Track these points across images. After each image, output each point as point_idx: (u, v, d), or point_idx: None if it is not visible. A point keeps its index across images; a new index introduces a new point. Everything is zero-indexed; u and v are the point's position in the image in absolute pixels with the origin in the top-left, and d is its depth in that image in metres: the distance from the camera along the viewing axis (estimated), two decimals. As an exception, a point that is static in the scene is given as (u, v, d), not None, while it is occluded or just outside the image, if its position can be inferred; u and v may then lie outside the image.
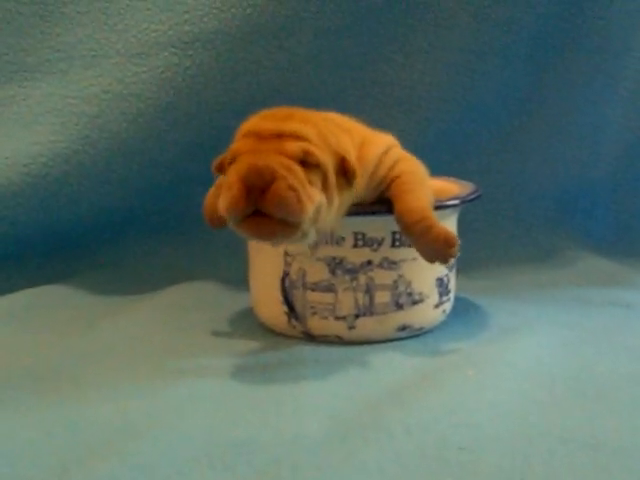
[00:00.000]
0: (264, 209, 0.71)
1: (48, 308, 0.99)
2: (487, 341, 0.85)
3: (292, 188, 0.71)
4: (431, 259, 0.80)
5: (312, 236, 0.76)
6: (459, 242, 0.80)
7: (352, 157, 0.79)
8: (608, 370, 0.78)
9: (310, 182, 0.73)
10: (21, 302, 1.00)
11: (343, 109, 0.87)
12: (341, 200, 0.78)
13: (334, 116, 0.84)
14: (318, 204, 0.74)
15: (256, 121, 0.76)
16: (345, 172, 0.77)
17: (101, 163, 1.05)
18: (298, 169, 0.73)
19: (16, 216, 1.04)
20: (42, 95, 1.06)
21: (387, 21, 1.08)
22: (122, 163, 1.05)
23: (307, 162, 0.74)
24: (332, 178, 0.76)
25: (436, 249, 0.79)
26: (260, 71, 1.06)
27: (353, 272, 0.83)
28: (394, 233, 0.82)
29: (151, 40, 1.05)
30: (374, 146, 0.84)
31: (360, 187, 0.81)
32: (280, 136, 0.74)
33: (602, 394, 0.73)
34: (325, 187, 0.75)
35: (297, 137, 0.74)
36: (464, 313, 0.95)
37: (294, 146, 0.73)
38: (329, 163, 0.75)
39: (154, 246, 1.13)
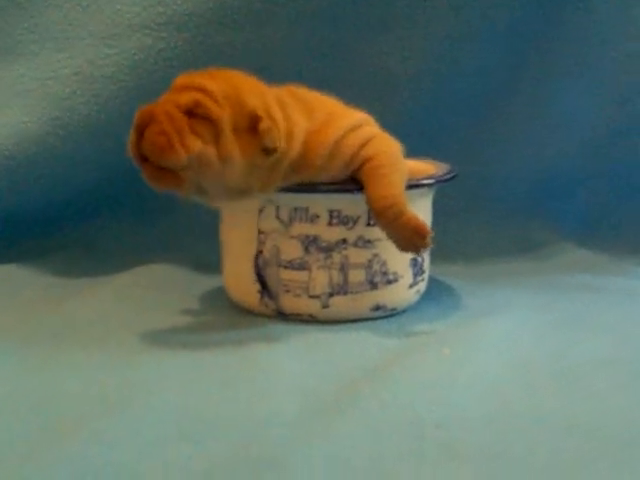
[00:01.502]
0: (143, 153, 0.74)
1: (16, 286, 0.98)
2: (462, 322, 0.85)
3: (163, 133, 0.73)
4: (403, 248, 0.80)
5: (216, 193, 0.78)
6: (431, 232, 0.79)
7: (275, 118, 0.78)
8: (582, 352, 0.78)
9: (195, 132, 0.74)
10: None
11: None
12: (252, 159, 0.77)
13: (298, 90, 0.85)
14: (198, 153, 0.74)
15: (183, 76, 0.78)
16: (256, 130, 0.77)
17: (71, 145, 1.03)
18: (180, 117, 0.74)
19: (-17, 196, 1.03)
20: (14, 77, 1.04)
21: (365, 7, 1.07)
22: (92, 145, 1.04)
23: (196, 113, 0.74)
24: (228, 133, 0.76)
25: (407, 238, 0.79)
26: (234, 55, 1.05)
27: (327, 250, 0.82)
28: (370, 211, 0.82)
29: (124, 22, 1.03)
30: (339, 121, 0.83)
31: (318, 160, 0.81)
32: (186, 88, 0.76)
33: (577, 375, 0.72)
34: (218, 141, 0.75)
35: (199, 90, 0.75)
36: (438, 295, 0.94)
37: (186, 96, 0.75)
38: (226, 118, 0.75)
39: (125, 227, 1.11)
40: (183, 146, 0.73)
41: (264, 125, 0.76)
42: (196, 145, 0.74)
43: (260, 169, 0.78)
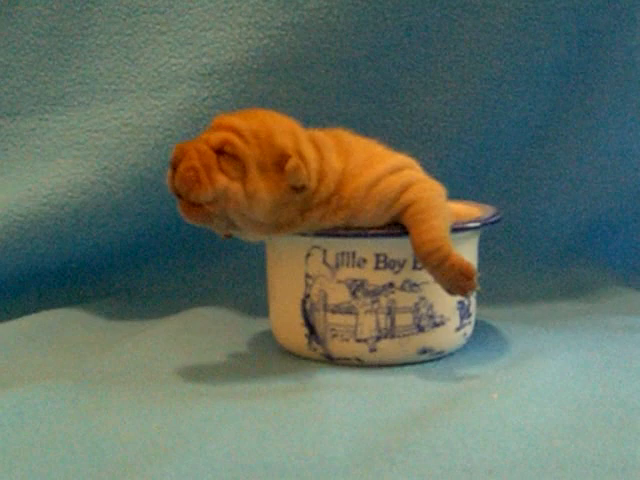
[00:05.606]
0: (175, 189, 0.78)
1: (65, 331, 0.99)
2: (509, 365, 0.84)
3: (193, 169, 0.76)
4: (450, 291, 0.80)
5: (246, 227, 0.80)
6: (477, 274, 0.79)
7: (305, 157, 0.79)
8: (633, 394, 0.77)
9: (222, 169, 0.78)
10: (39, 324, 1.00)
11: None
12: (280, 196, 0.79)
13: (341, 133, 0.86)
14: (223, 189, 0.77)
15: (220, 116, 0.82)
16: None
17: (119, 194, 1.05)
18: (210, 155, 0.77)
19: (35, 244, 1.05)
20: (63, 128, 1.07)
21: (407, 52, 1.09)
22: (139, 193, 1.06)
23: (225, 151, 0.78)
24: (254, 170, 0.78)
25: (453, 280, 0.79)
26: (277, 102, 1.06)
27: (374, 294, 0.83)
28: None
29: (171, 74, 1.06)
30: (378, 164, 0.84)
31: (353, 201, 0.82)
32: (219, 127, 0.80)
33: (629, 417, 0.71)
34: (244, 178, 0.78)
35: (229, 129, 0.79)
36: (484, 337, 0.94)
37: (217, 135, 0.79)
38: (252, 156, 0.78)
39: (173, 272, 1.13)
40: (210, 181, 0.77)
41: (291, 163, 0.78)
42: (222, 181, 0.77)
43: (290, 206, 0.80)
